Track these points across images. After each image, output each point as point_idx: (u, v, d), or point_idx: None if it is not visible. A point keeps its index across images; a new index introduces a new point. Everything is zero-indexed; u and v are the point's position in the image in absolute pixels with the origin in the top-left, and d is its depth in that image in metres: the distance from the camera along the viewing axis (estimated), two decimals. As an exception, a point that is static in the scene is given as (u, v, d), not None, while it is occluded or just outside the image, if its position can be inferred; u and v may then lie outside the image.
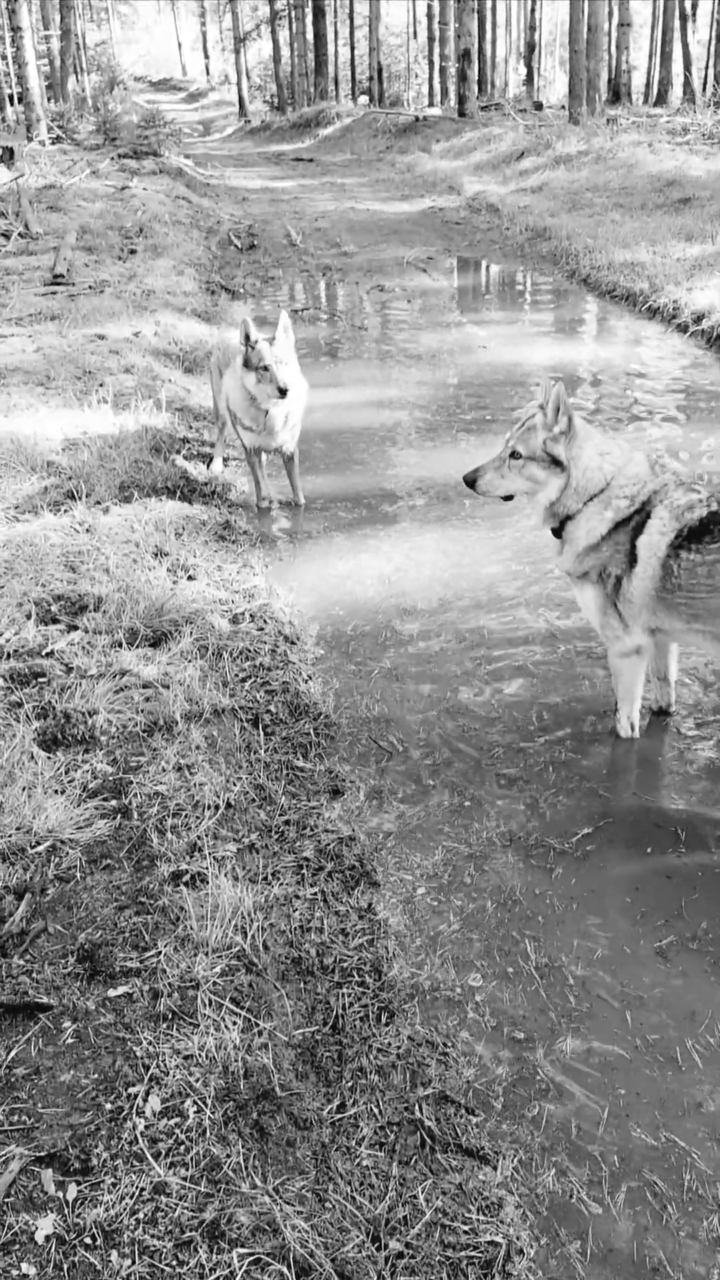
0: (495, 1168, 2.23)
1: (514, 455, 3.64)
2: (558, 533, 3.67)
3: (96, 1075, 2.40)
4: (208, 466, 6.62)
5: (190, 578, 5.09)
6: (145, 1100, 2.30)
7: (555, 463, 3.57)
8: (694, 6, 33.37)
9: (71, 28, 36.85)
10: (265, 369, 5.50)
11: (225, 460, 6.76)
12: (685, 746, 3.80)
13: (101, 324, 9.51)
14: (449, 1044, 2.55)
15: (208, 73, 66.13)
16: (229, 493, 6.38)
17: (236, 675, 4.22)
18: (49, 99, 30.20)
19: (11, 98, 35.29)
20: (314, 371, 8.91)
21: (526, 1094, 2.45)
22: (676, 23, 31.12)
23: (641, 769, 3.70)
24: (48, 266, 11.94)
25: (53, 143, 24.57)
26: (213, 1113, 2.27)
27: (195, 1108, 2.27)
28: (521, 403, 8.02)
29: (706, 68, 32.79)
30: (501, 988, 2.76)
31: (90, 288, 11.18)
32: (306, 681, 4.25)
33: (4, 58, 36.68)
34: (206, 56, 66.87)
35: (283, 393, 5.47)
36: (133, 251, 13.40)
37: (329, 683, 4.28)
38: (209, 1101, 2.29)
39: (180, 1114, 2.27)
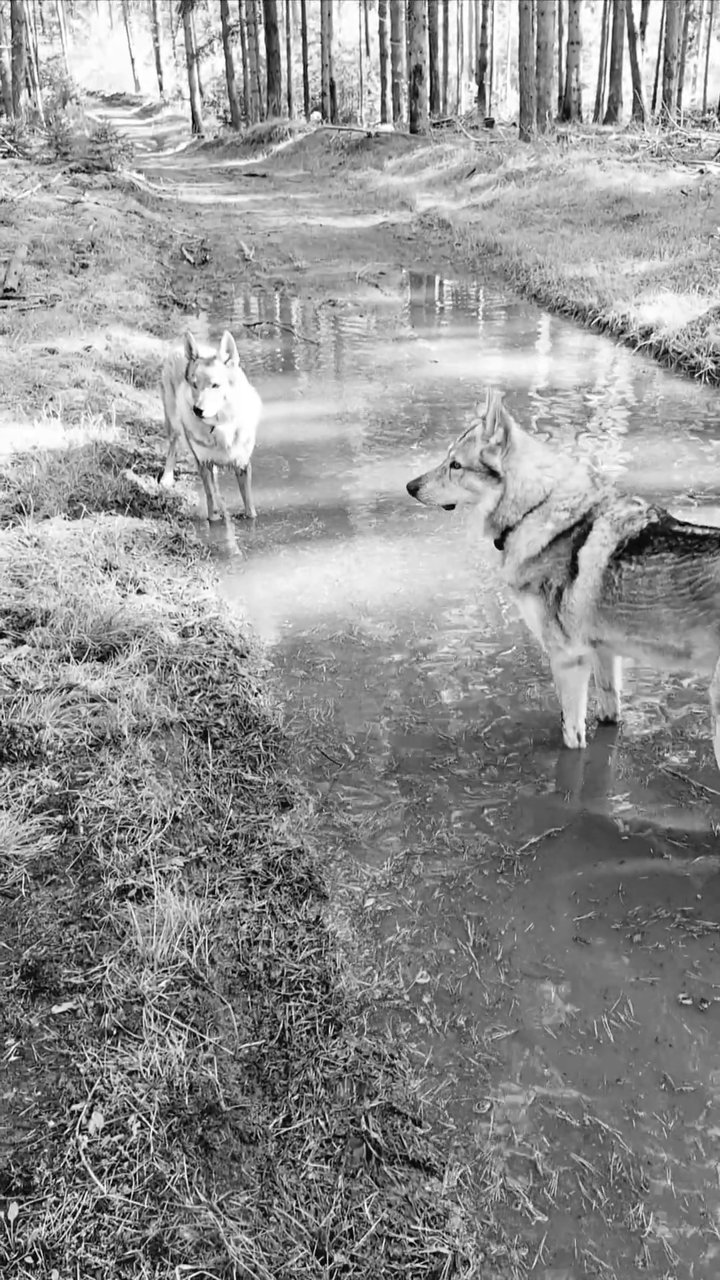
0: (441, 1178, 2.23)
1: (454, 465, 3.68)
2: (500, 544, 3.71)
3: (40, 1093, 2.38)
4: (158, 480, 6.60)
5: (140, 591, 5.06)
6: (89, 1117, 2.28)
7: (493, 474, 3.62)
8: (643, 25, 34.04)
9: (23, 42, 36.67)
10: (195, 386, 5.52)
11: (176, 474, 6.75)
12: (632, 755, 3.84)
13: (52, 338, 9.46)
14: (396, 1055, 2.55)
15: (161, 88, 66.12)
16: (180, 506, 6.37)
17: (186, 689, 4.21)
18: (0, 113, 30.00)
19: (-38, 111, 35.02)
20: (267, 386, 8.92)
21: (472, 1102, 2.46)
22: (625, 41, 31.71)
23: (588, 779, 3.74)
24: (-2, 280, 11.86)
25: (3, 157, 24.41)
26: (157, 1129, 2.25)
27: (139, 1124, 2.25)
28: (471, 416, 8.10)
29: (655, 86, 33.41)
30: (448, 1001, 2.77)
31: (41, 302, 11.12)
32: (256, 694, 4.25)
33: (-46, 71, 36.41)
34: (160, 72, 66.85)
35: (198, 413, 5.47)
36: (84, 266, 13.34)
37: (279, 695, 4.28)
38: (153, 1118, 2.27)
39: (124, 1130, 2.25)
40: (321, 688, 4.33)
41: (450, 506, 3.81)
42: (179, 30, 55.18)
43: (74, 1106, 2.31)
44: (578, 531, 3.48)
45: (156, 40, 66.44)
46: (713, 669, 3.26)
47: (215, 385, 5.48)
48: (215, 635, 4.69)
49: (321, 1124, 2.33)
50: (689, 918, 3.04)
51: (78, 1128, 2.25)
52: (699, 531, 3.30)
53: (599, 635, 3.54)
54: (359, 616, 4.91)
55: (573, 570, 3.48)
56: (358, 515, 6.15)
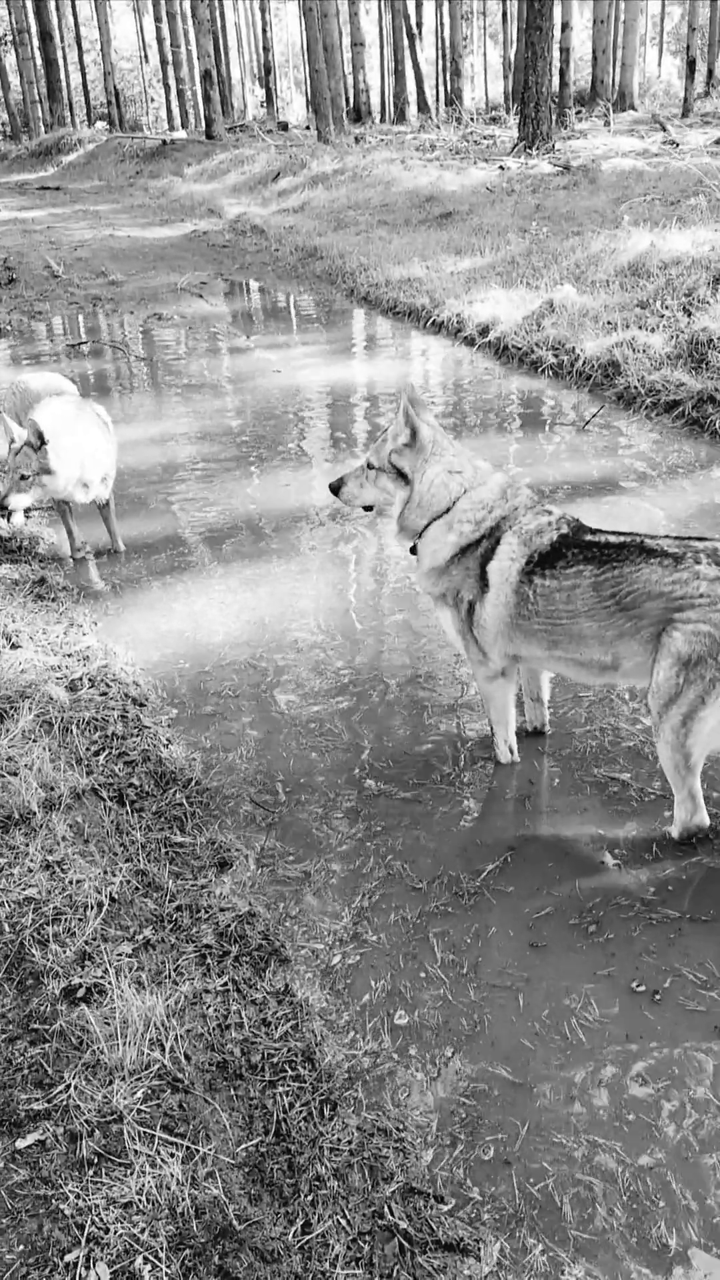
0: (479, 1258, 2.10)
1: (369, 465, 3.57)
2: (415, 550, 3.62)
3: (22, 1247, 2.10)
4: (7, 520, 6.19)
5: (14, 645, 4.70)
6: (89, 1268, 2.03)
7: (402, 475, 3.52)
8: (419, 25, 34.81)
9: None
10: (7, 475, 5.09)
11: (27, 512, 6.34)
12: (566, 765, 3.81)
13: None
14: (402, 1127, 2.40)
15: (-69, 101, 62.96)
16: (38, 546, 5.99)
17: (89, 749, 3.92)
18: None
19: None
20: (106, 408, 8.55)
21: (488, 1160, 2.34)
22: (405, 41, 32.33)
23: (526, 793, 3.68)
24: None
25: None
26: (169, 1267, 2.02)
27: (149, 1265, 2.02)
28: (318, 425, 7.99)
29: (438, 85, 34.25)
30: (431, 1038, 2.64)
31: None
32: (167, 745, 3.99)
33: None
34: (-72, 84, 63.65)
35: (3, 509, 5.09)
36: None
37: (193, 743, 4.04)
38: (163, 1255, 2.04)
39: (133, 1276, 2.01)
40: (236, 728, 4.12)
41: (370, 508, 3.69)
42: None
43: (67, 1258, 2.05)
44: (485, 545, 3.40)
45: None
46: (642, 679, 3.24)
47: (24, 478, 5.03)
48: (108, 685, 4.40)
49: (342, 1222, 2.15)
50: (648, 907, 3.04)
51: (79, 1282, 2.00)
52: (614, 540, 3.27)
53: (517, 651, 3.47)
54: (253, 648, 4.71)
55: (483, 585, 3.40)
56: (224, 539, 5.93)
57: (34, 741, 3.87)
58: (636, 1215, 2.22)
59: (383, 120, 36.37)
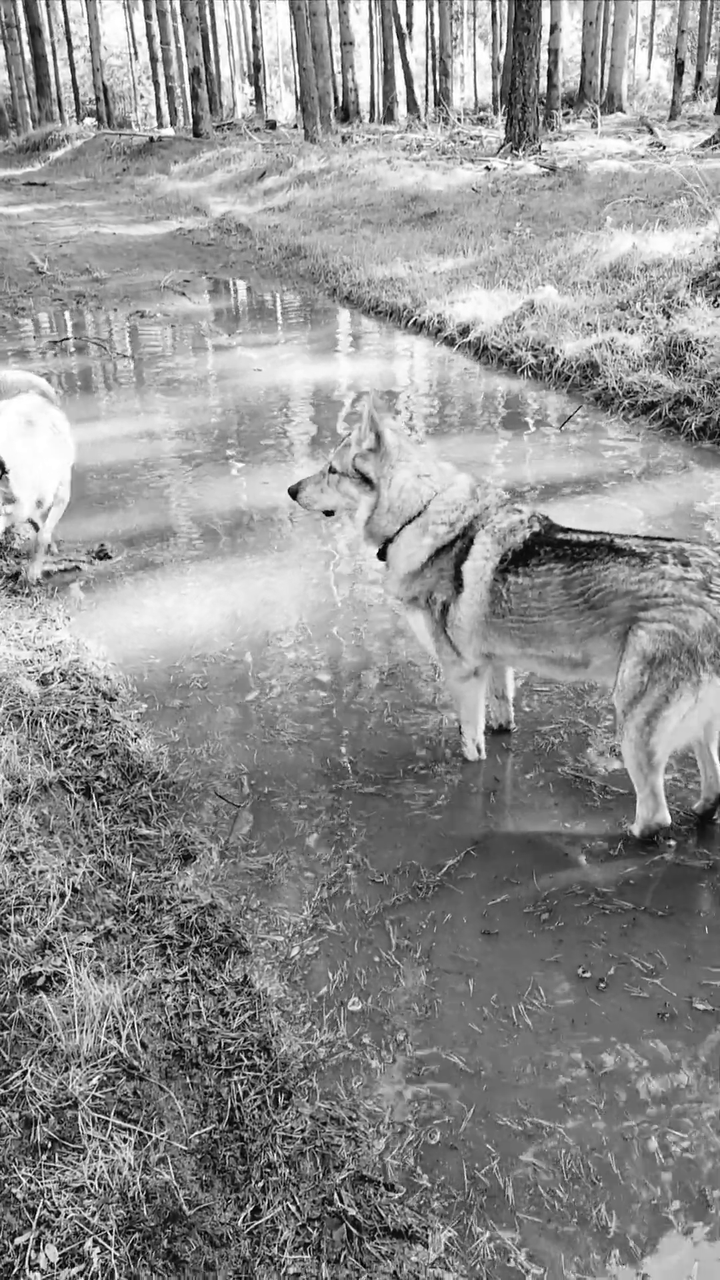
0: (427, 1245, 2.13)
1: (331, 470, 3.58)
2: (382, 556, 3.63)
3: (-26, 1231, 2.12)
4: None
5: (-13, 640, 4.71)
6: (38, 1250, 2.05)
7: (367, 480, 3.53)
8: (409, 25, 34.85)
9: None
10: None
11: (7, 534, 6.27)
12: (531, 762, 3.85)
13: None
14: (354, 1116, 2.43)
15: None
16: (13, 542, 5.99)
17: (58, 742, 3.93)
18: None
19: None
20: (83, 405, 8.56)
21: (436, 1149, 2.37)
22: (395, 41, 32.37)
23: (493, 790, 3.72)
24: None
25: None
26: (118, 1250, 2.05)
27: (98, 1249, 2.04)
28: (298, 423, 8.01)
29: (427, 85, 34.30)
30: (381, 1024, 2.67)
31: None
32: (136, 739, 4.01)
33: None
34: None
35: None
36: None
37: (160, 737, 4.06)
38: (112, 1238, 2.06)
39: (82, 1259, 2.03)
40: (205, 723, 4.14)
41: (330, 512, 3.71)
42: (-67, 34, 52.43)
43: (18, 1240, 2.07)
44: (459, 545, 3.42)
45: None
46: (610, 677, 3.28)
47: None
48: (79, 680, 4.41)
49: (293, 1209, 2.18)
50: (604, 899, 3.08)
51: (27, 1265, 2.02)
52: (584, 539, 3.30)
53: (490, 649, 3.50)
54: (225, 643, 4.74)
55: (458, 585, 3.42)
56: (201, 535, 5.95)
57: (2, 735, 3.89)
58: (579, 1198, 2.25)
59: (371, 120, 36.41)
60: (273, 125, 32.95)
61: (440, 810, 3.58)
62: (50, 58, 39.46)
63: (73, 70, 45.60)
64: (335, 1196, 2.21)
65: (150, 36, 40.64)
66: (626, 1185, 2.28)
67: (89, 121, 39.42)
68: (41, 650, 4.65)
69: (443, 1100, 2.49)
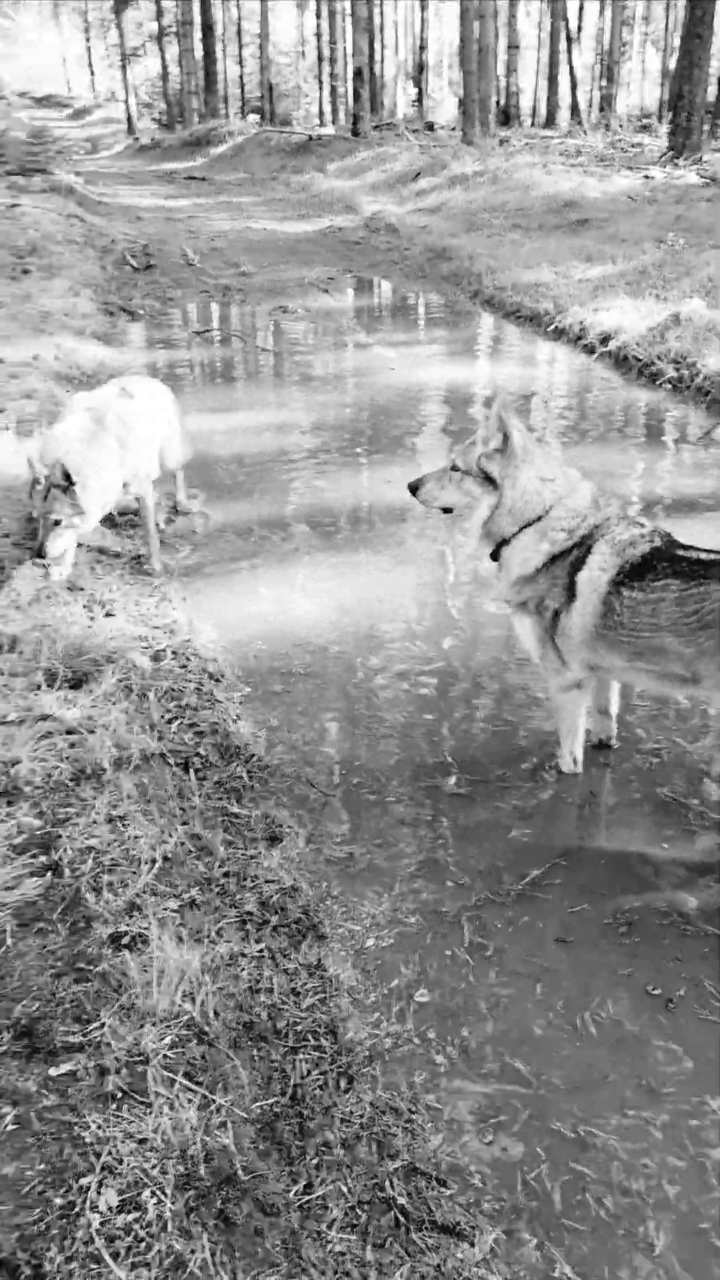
0: (473, 1244, 2.14)
1: (454, 468, 3.59)
2: (495, 557, 3.62)
3: (43, 1166, 2.23)
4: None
5: (109, 614, 4.91)
6: (99, 1193, 2.14)
7: (490, 480, 3.52)
8: (579, 30, 34.40)
9: (-48, 40, 35.94)
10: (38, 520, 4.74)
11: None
12: (629, 780, 3.79)
13: (-2, 346, 9.20)
14: (414, 1109, 2.46)
15: (94, 89, 65.22)
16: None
17: (163, 717, 4.07)
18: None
19: None
20: (217, 395, 8.79)
21: (493, 1151, 2.38)
22: (563, 45, 32.02)
23: (587, 804, 3.68)
24: (-63, 287, 11.53)
25: (-64, 158, 23.83)
26: (174, 1204, 2.13)
27: (155, 1199, 2.13)
28: (429, 423, 8.04)
29: (592, 90, 33.79)
30: (463, 1065, 2.69)
31: (-17, 309, 10.82)
32: (236, 721, 4.12)
33: None
34: (92, 73, 65.93)
35: (39, 555, 4.73)
36: (26, 271, 13.03)
37: (260, 721, 4.16)
38: (169, 1191, 2.15)
39: (139, 1207, 2.12)
40: (302, 712, 4.22)
41: (448, 510, 3.72)
42: (111, 30, 54.52)
43: (82, 1181, 2.17)
44: (576, 554, 3.39)
45: (88, 40, 65.50)
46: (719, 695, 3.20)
47: (57, 523, 4.66)
48: (188, 659, 4.56)
49: (344, 1189, 2.22)
50: (686, 921, 3.02)
51: (88, 1205, 2.12)
52: (705, 557, 3.23)
53: (598, 661, 3.46)
54: (331, 634, 4.81)
55: (570, 594, 3.39)
56: (320, 528, 6.04)
57: (114, 704, 4.04)
58: (627, 1212, 2.23)
59: (532, 124, 36.13)
60: (431, 127, 33.04)
61: (530, 819, 3.56)
62: (220, 55, 40.55)
63: (240, 67, 46.69)
64: (387, 1184, 2.24)
65: (319, 35, 41.29)
66: (676, 1205, 2.25)
67: (252, 118, 40.29)
68: (156, 628, 4.82)
69: (500, 1101, 2.50)
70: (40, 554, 4.72)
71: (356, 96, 28.14)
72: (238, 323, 11.78)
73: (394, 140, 26.56)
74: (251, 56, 46.03)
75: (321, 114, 41.45)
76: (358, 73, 27.46)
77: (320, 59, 41.34)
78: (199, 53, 38.75)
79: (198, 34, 38.42)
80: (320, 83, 42.43)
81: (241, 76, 46.19)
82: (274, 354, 10.32)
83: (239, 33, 45.43)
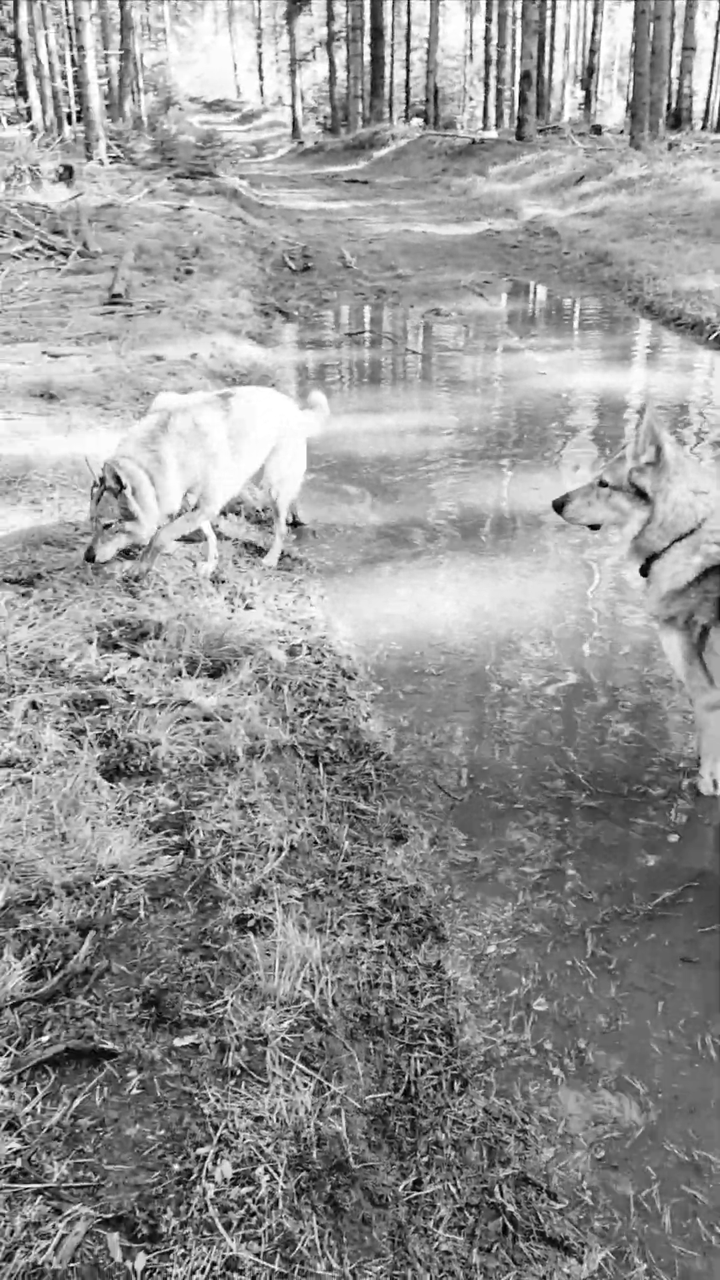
0: (581, 1260, 2.12)
1: (602, 484, 3.53)
2: (644, 571, 3.55)
3: (163, 1132, 2.32)
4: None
5: (248, 607, 5.04)
6: (215, 1164, 2.21)
7: (641, 495, 3.45)
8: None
9: (131, 48, 37.47)
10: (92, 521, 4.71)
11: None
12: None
13: (158, 345, 9.54)
14: (527, 1119, 2.45)
15: (262, 94, 66.82)
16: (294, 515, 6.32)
17: (295, 710, 4.15)
18: (107, 118, 30.59)
19: (70, 116, 35.86)
20: (368, 396, 8.89)
21: (607, 1171, 2.34)
22: (737, 49, 30.95)
23: None
24: (106, 286, 12.04)
25: (111, 162, 24.91)
26: (285, 1183, 2.18)
27: (268, 1176, 2.18)
28: (578, 430, 7.93)
29: (767, 94, 32.58)
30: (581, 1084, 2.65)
31: (147, 308, 11.24)
32: (367, 719, 4.17)
33: (64, 77, 37.34)
34: (261, 78, 67.57)
35: (90, 559, 4.70)
36: (189, 272, 13.48)
37: (390, 721, 4.19)
38: (281, 1170, 2.20)
39: (252, 1182, 2.18)
40: (433, 714, 4.24)
41: (595, 527, 3.67)
42: (282, 36, 55.75)
43: (199, 1150, 2.25)
44: (731, 568, 3.30)
45: (260, 46, 67.18)
46: None
47: (107, 526, 4.62)
48: (323, 655, 4.63)
49: (453, 1190, 2.23)
50: None
51: (204, 1174, 2.19)
52: None
53: None
54: (467, 637, 4.81)
55: (721, 609, 3.30)
56: (462, 532, 6.04)
57: (249, 694, 4.15)
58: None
59: (704, 128, 35.07)
60: (598, 130, 32.46)
61: (664, 839, 3.49)
62: (387, 59, 40.87)
63: (407, 71, 46.94)
64: (497, 1190, 2.24)
65: (487, 39, 41.12)
66: None
67: (415, 122, 40.50)
68: (294, 623, 4.92)
69: (615, 1117, 2.46)
70: (90, 558, 4.65)
71: (523, 100, 27.91)
72: (390, 325, 11.87)
73: (558, 144, 26.22)
74: (418, 60, 46.22)
75: (485, 117, 41.28)
76: (525, 76, 27.23)
77: (487, 62, 41.17)
78: (367, 57, 39.20)
79: (366, 38, 38.87)
80: (486, 86, 42.26)
81: (407, 80, 46.44)
82: (424, 357, 10.37)
83: (407, 37, 45.67)
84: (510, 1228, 2.17)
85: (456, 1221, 2.18)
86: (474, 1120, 2.41)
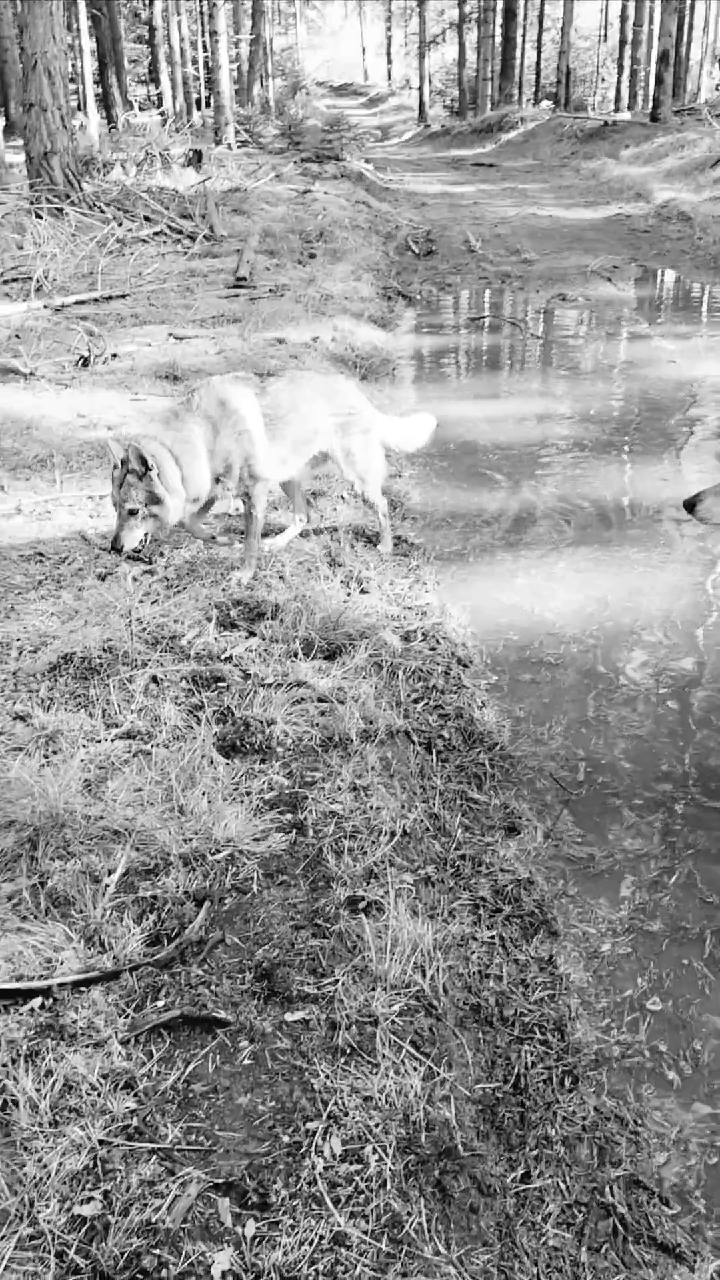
0: (693, 1269, 2.07)
1: None
2: None
3: (273, 1103, 2.36)
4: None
5: (364, 591, 5.05)
6: (324, 1139, 2.24)
7: None
8: None
9: (261, 34, 37.79)
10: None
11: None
12: None
13: (281, 328, 9.63)
14: (639, 1122, 2.40)
15: (389, 78, 66.64)
16: (407, 500, 6.32)
17: (409, 696, 4.15)
18: (235, 103, 30.95)
19: (198, 102, 36.42)
20: (491, 382, 8.79)
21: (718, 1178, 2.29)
22: None
23: None
24: (230, 269, 12.21)
25: (239, 146, 25.22)
26: (393, 1164, 2.19)
27: (376, 1156, 2.20)
28: (706, 421, 7.68)
29: None
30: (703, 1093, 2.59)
31: (271, 291, 11.36)
32: (481, 708, 4.14)
33: (194, 63, 37.90)
34: (390, 61, 67.40)
35: (116, 549, 4.39)
36: (312, 255, 13.56)
37: (505, 711, 4.15)
38: (390, 1151, 2.21)
39: (360, 1160, 2.19)
40: (549, 705, 4.18)
41: None
42: (412, 19, 55.43)
43: (309, 1125, 2.28)
44: None
45: (389, 30, 67.00)
46: None
47: (133, 512, 4.29)
48: (438, 641, 4.61)
49: (562, 1186, 2.21)
50: None
51: (313, 1149, 2.22)
52: None
53: None
54: (587, 627, 4.72)
55: None
56: (584, 521, 5.93)
57: (363, 678, 4.17)
58: None
59: None
60: (735, 111, 31.31)
61: (787, 846, 3.37)
62: (519, 40, 40.24)
63: (538, 53, 46.08)
64: (607, 1190, 2.21)
65: (624, 18, 40.06)
66: None
67: (545, 104, 39.74)
68: (409, 608, 4.91)
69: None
70: (117, 548, 4.34)
71: (659, 81, 27.10)
72: (514, 310, 11.71)
73: (695, 125, 25.36)
74: (550, 42, 45.36)
75: (618, 99, 40.26)
76: (663, 55, 26.43)
77: (622, 42, 40.12)
78: (498, 38, 38.65)
79: (498, 19, 38.32)
80: (620, 67, 41.21)
81: (538, 62, 45.62)
82: (548, 342, 10.20)
83: (540, 17, 44.85)
84: (620, 1229, 2.13)
85: (565, 1218, 2.15)
86: (584, 1118, 2.38)
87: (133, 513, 4.29)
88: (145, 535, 4.43)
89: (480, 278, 13.44)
